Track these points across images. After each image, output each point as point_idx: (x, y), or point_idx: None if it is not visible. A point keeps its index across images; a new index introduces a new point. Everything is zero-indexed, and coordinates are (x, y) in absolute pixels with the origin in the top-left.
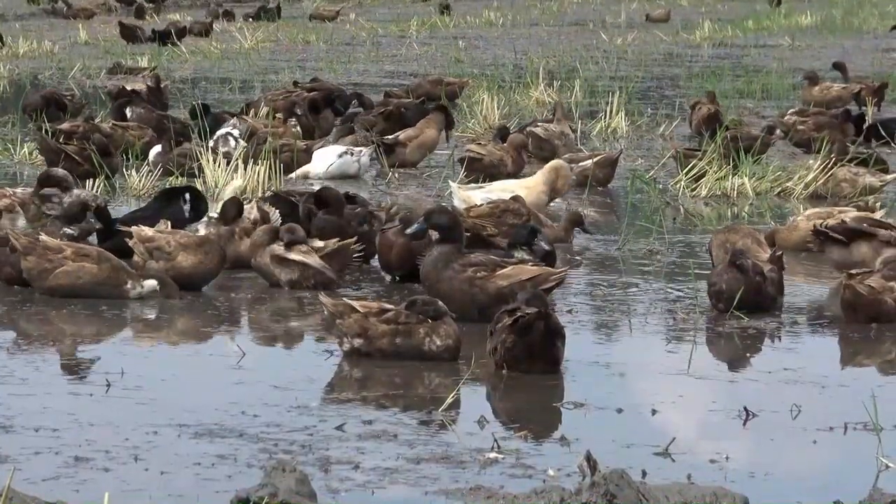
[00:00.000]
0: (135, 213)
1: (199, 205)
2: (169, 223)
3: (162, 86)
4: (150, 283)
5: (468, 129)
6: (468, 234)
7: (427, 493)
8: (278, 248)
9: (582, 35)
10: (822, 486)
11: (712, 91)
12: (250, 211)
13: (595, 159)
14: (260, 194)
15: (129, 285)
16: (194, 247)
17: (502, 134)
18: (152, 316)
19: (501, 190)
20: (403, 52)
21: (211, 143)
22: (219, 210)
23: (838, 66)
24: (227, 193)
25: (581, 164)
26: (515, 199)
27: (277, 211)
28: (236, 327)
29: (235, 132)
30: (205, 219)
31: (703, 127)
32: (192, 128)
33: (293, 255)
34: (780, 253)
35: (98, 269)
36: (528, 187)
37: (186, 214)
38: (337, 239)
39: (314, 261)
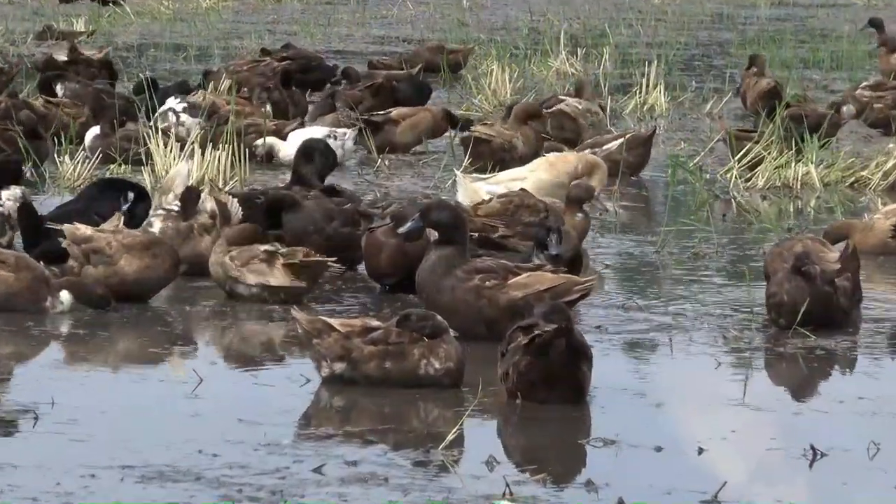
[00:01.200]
0: (65, 205)
1: (140, 209)
2: (122, 218)
3: (100, 55)
4: (65, 296)
5: (473, 107)
6: (476, 238)
7: None
8: (230, 263)
9: None
10: None
11: (758, 55)
12: (204, 202)
13: (622, 139)
14: (222, 185)
15: (48, 302)
16: (140, 248)
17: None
18: (89, 333)
19: (513, 179)
20: (395, 12)
21: (153, 123)
22: (180, 201)
23: (874, 24)
24: (178, 184)
25: (607, 146)
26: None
27: (236, 200)
28: (192, 347)
29: (179, 106)
30: (160, 212)
31: (759, 104)
32: (137, 106)
33: (250, 278)
34: (852, 249)
35: (14, 279)
36: (552, 164)
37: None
38: (303, 251)
39: (277, 280)
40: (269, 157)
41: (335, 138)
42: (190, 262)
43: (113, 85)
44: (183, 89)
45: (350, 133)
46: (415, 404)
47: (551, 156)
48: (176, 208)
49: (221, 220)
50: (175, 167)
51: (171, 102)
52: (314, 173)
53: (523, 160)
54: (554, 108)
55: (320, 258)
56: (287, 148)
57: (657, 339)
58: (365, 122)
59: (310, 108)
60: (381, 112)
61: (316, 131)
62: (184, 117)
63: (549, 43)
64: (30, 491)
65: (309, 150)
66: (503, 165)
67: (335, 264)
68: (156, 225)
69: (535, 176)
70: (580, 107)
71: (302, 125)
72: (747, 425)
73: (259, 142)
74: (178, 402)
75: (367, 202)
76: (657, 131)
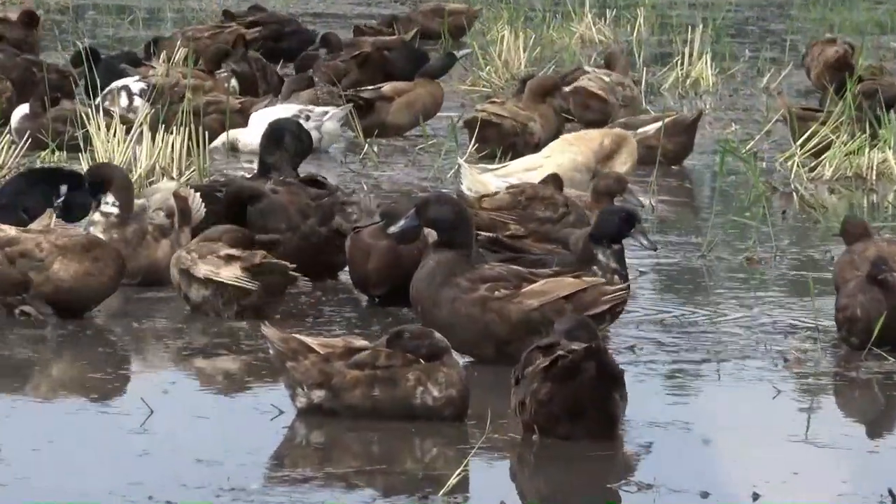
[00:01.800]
0: None
1: (75, 204)
2: (54, 217)
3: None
4: None
5: (481, 81)
6: (483, 238)
7: None
8: (186, 256)
9: None
10: None
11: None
12: (153, 196)
13: (661, 122)
14: (177, 175)
15: None
16: (79, 251)
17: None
18: (16, 355)
19: (528, 169)
20: None
21: (99, 101)
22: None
23: None
24: (156, 199)
25: (642, 129)
26: (551, 179)
27: (199, 195)
28: (141, 372)
29: (136, 87)
30: (98, 218)
31: (826, 76)
32: (74, 80)
33: (201, 269)
34: None
35: None
36: (571, 143)
37: (54, 211)
38: (262, 254)
39: (227, 273)
40: (234, 148)
41: (308, 118)
42: (144, 274)
43: (35, 50)
44: (131, 61)
45: (334, 112)
46: (409, 441)
47: (570, 135)
48: (116, 210)
49: (180, 218)
50: (161, 184)
51: (128, 80)
52: (286, 160)
53: (540, 146)
54: (574, 86)
55: (278, 261)
56: (248, 133)
57: (703, 361)
58: (350, 100)
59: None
60: (371, 87)
61: (285, 110)
62: (138, 102)
63: (572, 4)
64: None
65: (277, 133)
66: (516, 152)
67: (297, 273)
68: (97, 231)
69: (552, 162)
70: (608, 80)
71: (271, 104)
72: (812, 466)
73: (218, 142)
74: (124, 439)
75: (348, 196)
76: (703, 113)
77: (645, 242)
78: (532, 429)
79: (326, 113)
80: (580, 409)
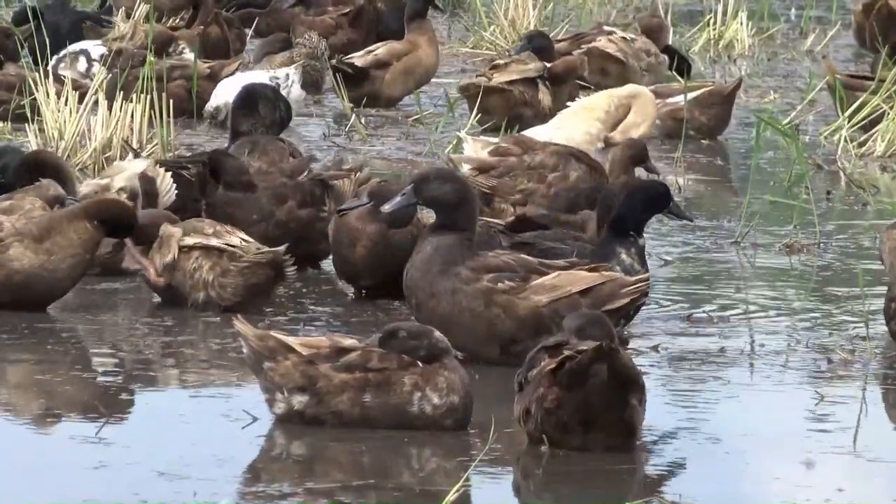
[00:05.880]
0: None
1: (8, 180)
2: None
3: None
4: None
5: (484, 43)
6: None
7: None
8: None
9: None
10: None
11: None
12: (116, 178)
13: (695, 93)
14: (137, 147)
15: None
16: (37, 236)
17: (536, 46)
18: None
19: None
20: None
21: (53, 65)
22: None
23: None
24: (120, 178)
25: (671, 100)
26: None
27: (168, 173)
28: (95, 372)
29: (96, 51)
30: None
31: (878, 38)
32: (20, 41)
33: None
34: None
35: None
36: (576, 114)
37: None
38: (256, 248)
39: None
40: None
41: (281, 85)
42: (102, 265)
43: None
44: (83, 16)
45: (293, 74)
46: (404, 452)
47: (573, 104)
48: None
49: (145, 201)
50: (127, 162)
51: (87, 44)
52: (262, 132)
53: (547, 118)
54: (588, 47)
55: (264, 253)
56: (215, 99)
57: (735, 363)
58: (335, 69)
59: (249, 43)
60: (363, 52)
61: (257, 75)
62: (97, 68)
63: None
64: None
65: (250, 99)
66: (523, 124)
67: (286, 258)
68: None
69: (564, 135)
70: (629, 46)
71: (244, 67)
72: (860, 481)
73: (209, 107)
74: (77, 448)
75: (329, 166)
76: (742, 81)
77: (683, 215)
78: (539, 439)
79: (288, 76)
80: (592, 417)
